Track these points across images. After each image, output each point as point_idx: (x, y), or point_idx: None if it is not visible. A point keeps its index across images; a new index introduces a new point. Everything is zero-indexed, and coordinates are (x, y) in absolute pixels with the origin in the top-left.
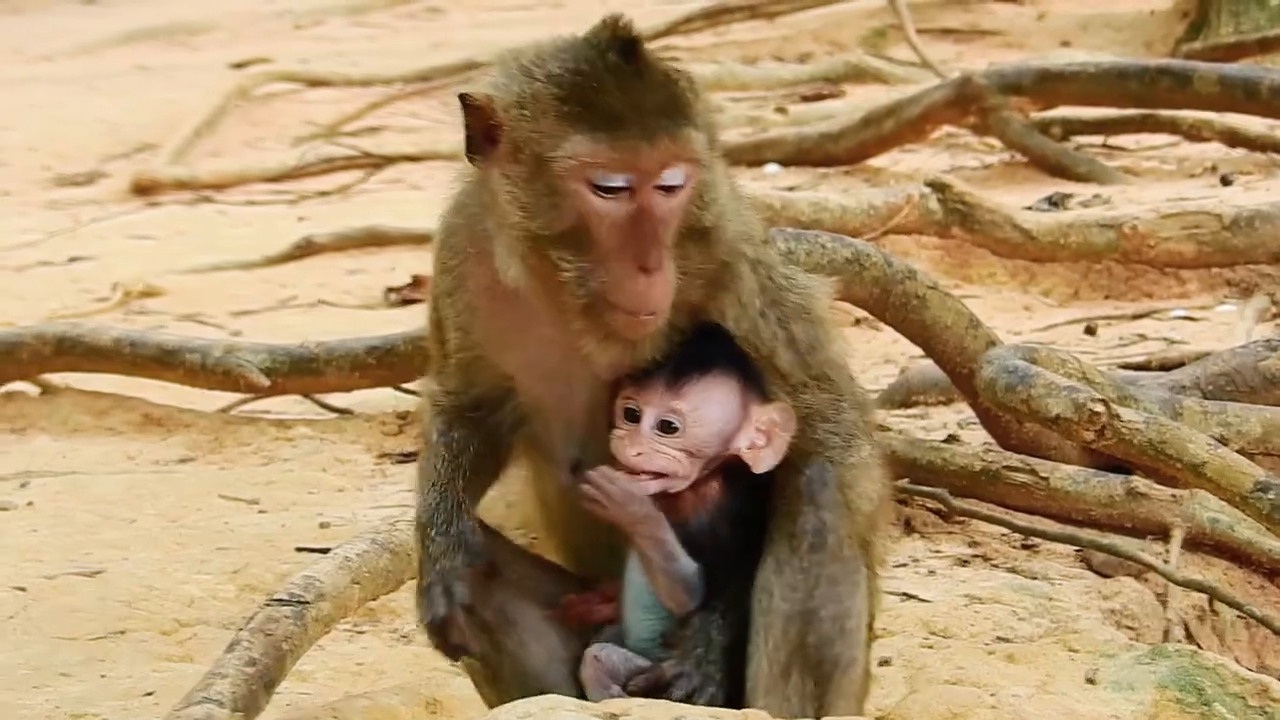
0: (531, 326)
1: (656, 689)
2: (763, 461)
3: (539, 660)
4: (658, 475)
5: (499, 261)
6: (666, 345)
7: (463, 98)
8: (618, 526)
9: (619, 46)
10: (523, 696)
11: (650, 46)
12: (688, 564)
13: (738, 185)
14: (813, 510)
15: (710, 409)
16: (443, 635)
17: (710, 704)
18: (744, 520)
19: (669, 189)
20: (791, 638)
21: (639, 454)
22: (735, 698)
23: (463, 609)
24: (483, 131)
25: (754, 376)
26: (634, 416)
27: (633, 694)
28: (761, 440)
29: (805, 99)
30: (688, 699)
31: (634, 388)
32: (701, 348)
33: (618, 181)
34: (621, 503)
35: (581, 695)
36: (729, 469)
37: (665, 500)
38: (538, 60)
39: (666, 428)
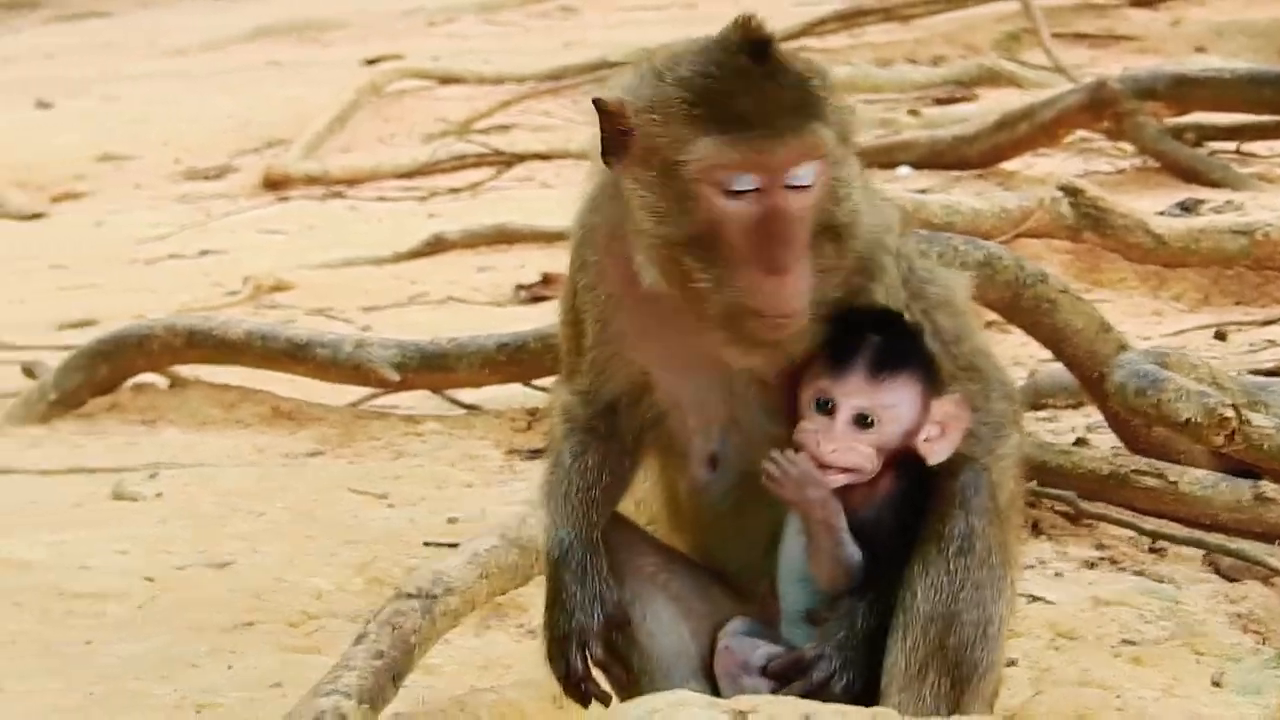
0: (671, 322)
1: (796, 671)
2: (938, 454)
3: (668, 653)
4: (846, 470)
5: (637, 264)
6: (810, 343)
7: (596, 102)
8: (772, 515)
9: (751, 47)
10: (651, 690)
11: (784, 45)
12: (854, 551)
13: (871, 180)
14: (963, 515)
15: (905, 405)
16: (578, 688)
17: (848, 689)
18: (909, 511)
19: (799, 188)
20: (931, 638)
21: (834, 449)
22: (875, 688)
23: (598, 664)
24: (616, 135)
25: (935, 370)
26: (826, 409)
27: (771, 676)
28: (938, 433)
29: (938, 102)
30: (826, 682)
31: (830, 380)
32: (893, 341)
33: (746, 183)
34: (801, 486)
35: (712, 686)
36: (899, 460)
37: (840, 489)
38: (669, 63)
39: (862, 422)
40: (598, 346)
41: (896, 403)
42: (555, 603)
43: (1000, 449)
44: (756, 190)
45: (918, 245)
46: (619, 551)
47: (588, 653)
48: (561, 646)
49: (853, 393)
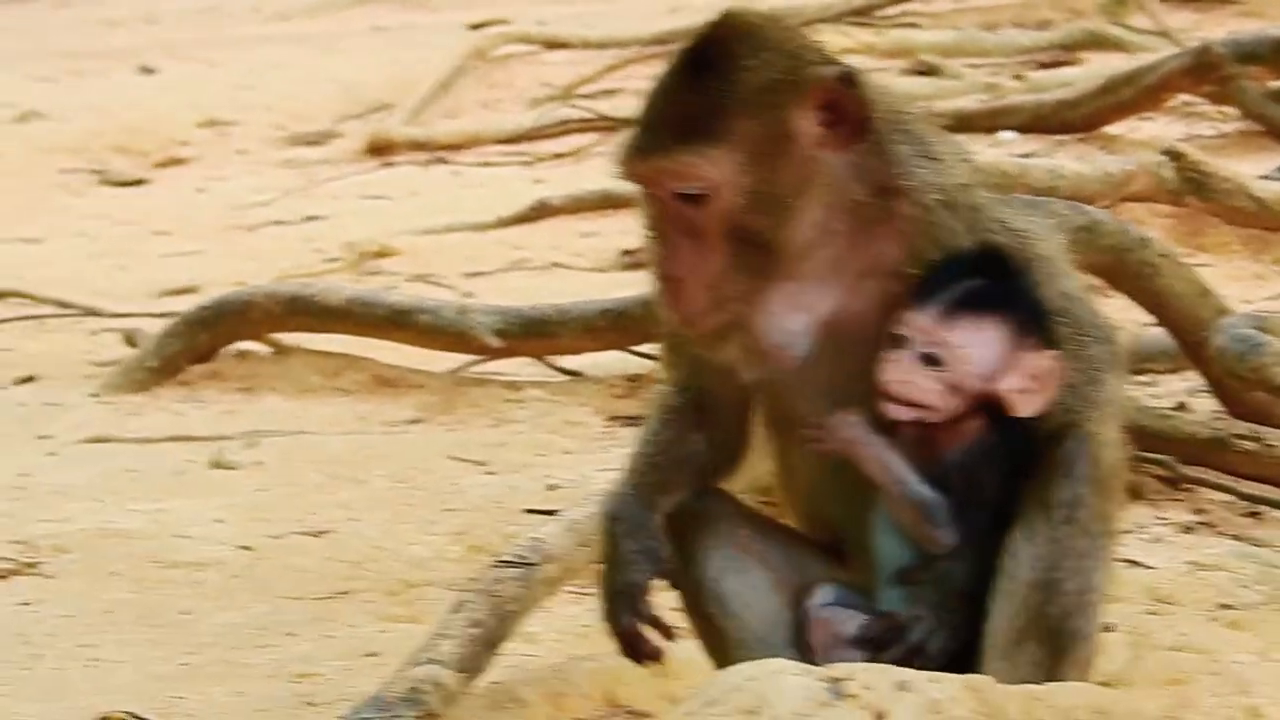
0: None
1: (891, 636)
2: (1024, 406)
3: (762, 622)
4: (911, 404)
5: None
6: (867, 302)
7: None
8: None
9: (691, 51)
10: (746, 659)
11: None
12: (924, 491)
13: (934, 138)
14: (1069, 483)
15: (977, 348)
16: (630, 645)
17: (944, 652)
18: (1005, 468)
19: (691, 197)
20: (1032, 606)
21: (898, 382)
22: (972, 650)
23: (647, 620)
24: None
25: (1034, 319)
26: (901, 342)
27: (866, 642)
28: (1027, 386)
29: (1043, 66)
30: (922, 645)
31: (909, 313)
32: (982, 284)
33: (639, 184)
34: (833, 432)
35: (806, 655)
36: (994, 410)
37: (920, 430)
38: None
39: (930, 360)
40: (686, 339)
41: (966, 345)
42: (607, 560)
43: (1097, 396)
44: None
45: (992, 197)
46: (717, 521)
47: (639, 611)
48: (614, 605)
49: (922, 329)
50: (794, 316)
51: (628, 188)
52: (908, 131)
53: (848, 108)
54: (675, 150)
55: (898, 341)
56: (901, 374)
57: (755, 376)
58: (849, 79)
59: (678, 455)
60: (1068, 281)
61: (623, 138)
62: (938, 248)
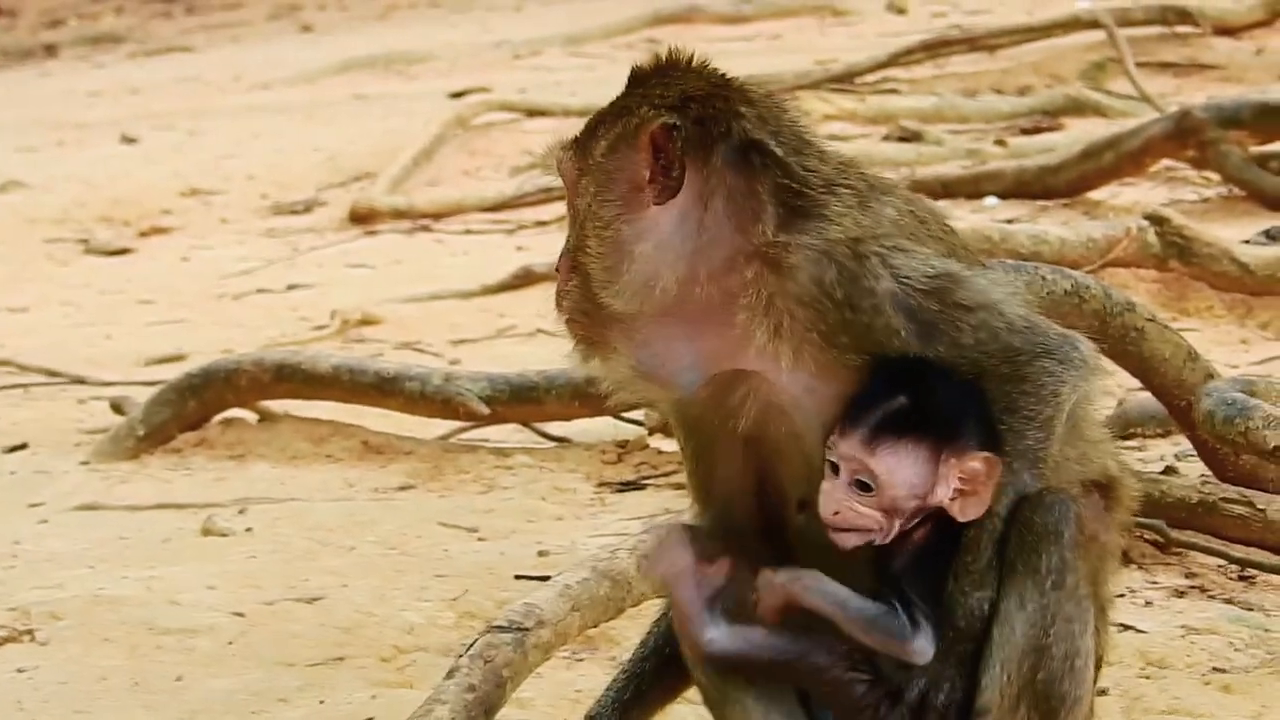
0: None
1: (891, 697)
2: (967, 511)
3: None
4: (853, 530)
5: None
6: (753, 355)
7: None
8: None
9: (630, 74)
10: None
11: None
12: (867, 609)
13: (831, 191)
14: (1057, 549)
15: (904, 471)
16: None
17: (952, 704)
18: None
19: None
20: (1024, 672)
21: (836, 512)
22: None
23: None
24: None
25: (954, 426)
26: (835, 469)
27: (870, 710)
28: (962, 492)
29: (1024, 132)
30: (925, 698)
31: (835, 439)
32: (901, 400)
33: None
34: (764, 591)
35: (807, 716)
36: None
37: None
38: None
39: (862, 486)
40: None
41: (893, 469)
42: None
43: (1048, 412)
44: None
45: (911, 247)
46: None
47: None
48: None
49: (849, 456)
50: (671, 351)
51: None
52: (789, 189)
53: (670, 160)
54: (557, 151)
55: (833, 469)
56: (838, 504)
57: (659, 404)
58: (672, 131)
59: (658, 666)
60: (999, 315)
61: None
62: (809, 305)
